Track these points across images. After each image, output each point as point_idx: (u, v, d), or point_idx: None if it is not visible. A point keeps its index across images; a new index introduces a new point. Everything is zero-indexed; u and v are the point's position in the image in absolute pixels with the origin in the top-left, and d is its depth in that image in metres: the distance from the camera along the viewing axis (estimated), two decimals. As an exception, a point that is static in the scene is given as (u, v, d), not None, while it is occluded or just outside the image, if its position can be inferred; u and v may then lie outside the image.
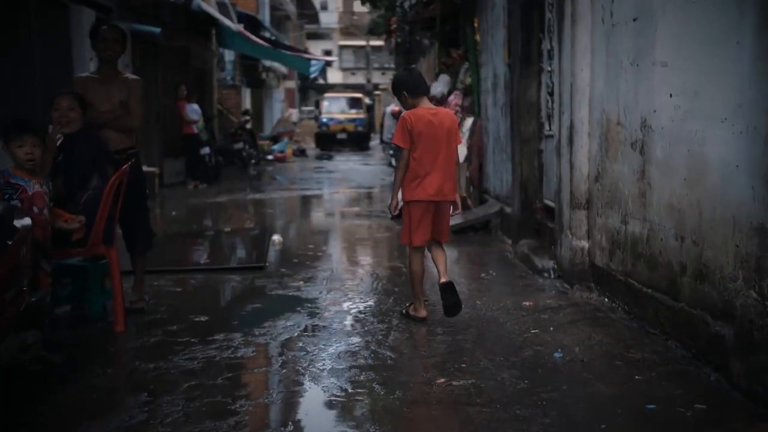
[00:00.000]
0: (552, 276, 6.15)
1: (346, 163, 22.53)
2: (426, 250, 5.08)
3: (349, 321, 5.06)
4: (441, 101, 10.95)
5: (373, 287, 6.05)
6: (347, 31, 58.85)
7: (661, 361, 4.02)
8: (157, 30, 12.83)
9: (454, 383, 3.81)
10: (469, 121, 10.22)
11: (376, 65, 55.53)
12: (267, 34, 24.31)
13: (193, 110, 14.82)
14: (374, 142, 31.77)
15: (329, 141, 28.71)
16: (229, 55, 24.37)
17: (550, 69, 7.03)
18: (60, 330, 4.72)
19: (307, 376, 3.96)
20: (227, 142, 20.44)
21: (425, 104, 4.90)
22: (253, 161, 20.78)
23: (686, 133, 4.10)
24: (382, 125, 27.29)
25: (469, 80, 10.37)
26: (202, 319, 5.08)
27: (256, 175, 18.13)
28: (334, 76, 54.23)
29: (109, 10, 11.47)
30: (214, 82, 21.62)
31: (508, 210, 8.29)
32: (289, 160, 23.51)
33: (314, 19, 52.03)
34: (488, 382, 3.82)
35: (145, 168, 13.15)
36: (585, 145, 5.66)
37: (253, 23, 23.27)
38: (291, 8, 38.70)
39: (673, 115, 4.23)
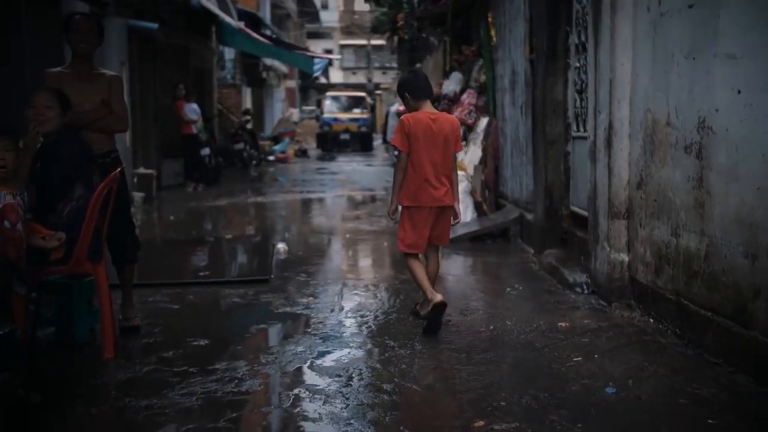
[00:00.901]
0: (585, 291, 5.61)
1: (349, 164, 21.97)
2: (427, 255, 4.99)
3: (366, 346, 4.51)
4: (453, 100, 10.42)
5: (391, 304, 5.50)
6: (348, 31, 58.33)
7: (734, 401, 3.47)
8: (155, 26, 12.29)
9: (496, 427, 3.26)
10: (483, 122, 9.67)
11: (377, 65, 55.02)
12: (268, 32, 23.75)
13: (192, 110, 14.26)
14: (376, 142, 31.21)
15: (331, 141, 27.83)
16: (229, 54, 23.82)
17: (578, 65, 6.49)
18: (42, 356, 4.18)
19: (323, 418, 3.41)
20: (227, 143, 19.91)
21: (427, 108, 4.83)
22: (254, 162, 20.25)
23: (759, 136, 3.55)
24: (385, 125, 26.75)
25: (483, 78, 9.83)
26: (202, 342, 4.53)
27: (257, 177, 17.58)
28: (335, 76, 53.72)
29: (104, 5, 10.93)
30: (214, 81, 21.08)
31: (528, 217, 7.75)
32: (291, 161, 22.95)
33: (315, 18, 51.46)
34: (535, 426, 3.27)
35: (142, 170, 12.80)
36: (625, 148, 5.12)
37: (253, 21, 22.71)
38: (292, 6, 38.14)
39: (743, 115, 3.69)
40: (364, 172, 18.75)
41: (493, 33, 9.65)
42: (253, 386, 3.82)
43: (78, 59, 4.71)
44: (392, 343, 4.51)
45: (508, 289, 5.94)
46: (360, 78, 54.77)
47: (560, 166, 6.87)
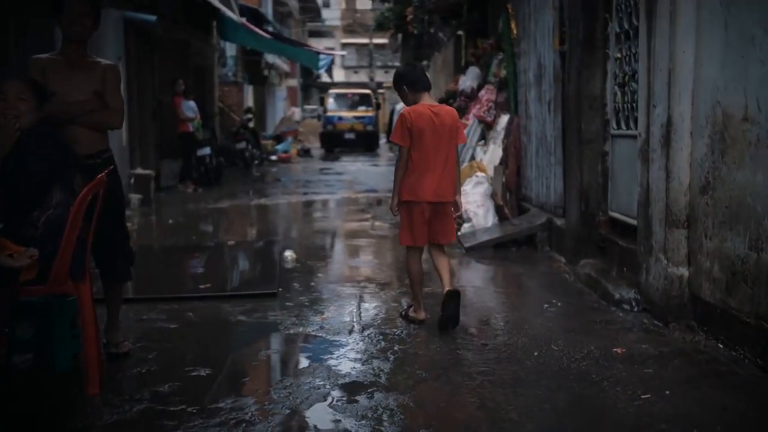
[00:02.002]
0: (635, 309, 4.97)
1: (353, 164, 21.28)
2: (432, 256, 4.86)
3: (394, 377, 3.87)
4: (471, 96, 9.79)
5: (416, 323, 4.86)
6: (350, 29, 57.77)
7: None
8: (153, 18, 11.64)
9: (567, 492, 2.63)
10: (504, 119, 9.04)
11: (379, 63, 54.40)
12: (270, 29, 23.11)
13: (189, 107, 13.57)
14: (381, 140, 30.52)
15: (336, 141, 26.31)
16: (230, 50, 23.20)
17: (619, 55, 5.86)
18: (18, 386, 3.57)
19: (352, 478, 2.78)
20: (229, 142, 19.28)
21: (426, 100, 4.71)
22: (256, 162, 19.61)
23: None
24: (390, 123, 26.04)
25: (503, 73, 9.19)
26: (203, 373, 3.90)
27: (259, 177, 16.94)
28: (337, 75, 53.13)
29: (99, -4, 10.29)
30: (215, 78, 20.46)
31: (558, 222, 7.11)
32: (294, 161, 22.30)
33: (316, 16, 50.83)
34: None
35: (139, 171, 12.16)
36: (686, 147, 4.49)
37: (255, 17, 22.07)
38: (293, 4, 37.56)
39: None
40: (370, 173, 18.10)
41: (513, 25, 9.02)
42: (264, 432, 3.19)
43: (70, 45, 4.08)
44: (424, 374, 3.88)
45: (546, 305, 5.30)
46: (362, 77, 54.18)
47: (597, 167, 6.23)
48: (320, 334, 4.63)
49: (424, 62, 22.11)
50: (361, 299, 5.54)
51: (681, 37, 4.41)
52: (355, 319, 4.97)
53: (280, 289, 5.78)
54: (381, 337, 4.55)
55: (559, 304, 5.31)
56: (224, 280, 6.26)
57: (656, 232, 4.71)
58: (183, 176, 13.56)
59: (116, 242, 4.15)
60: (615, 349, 4.20)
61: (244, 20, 18.63)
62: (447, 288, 4.59)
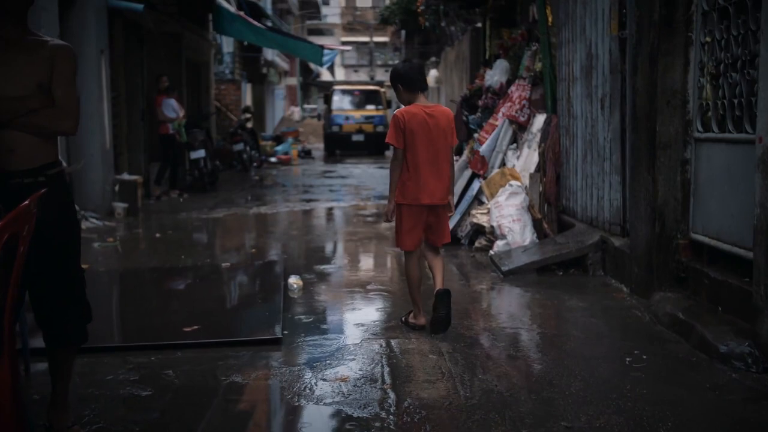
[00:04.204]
0: (752, 368, 3.80)
1: (357, 166, 20.00)
2: (427, 257, 4.79)
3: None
4: (499, 93, 8.62)
5: (467, 386, 3.68)
6: (350, 27, 56.71)
7: None
8: (140, 7, 10.45)
9: None
10: (540, 119, 7.86)
11: (379, 62, 53.34)
12: (269, 23, 21.91)
13: (170, 106, 12.18)
14: (384, 141, 29.15)
15: (342, 145, 23.02)
16: (227, 47, 22.03)
17: (708, 39, 4.69)
18: None
19: None
20: (226, 143, 18.10)
21: (421, 101, 4.64)
22: (254, 164, 18.45)
23: None
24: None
25: (538, 66, 8.01)
26: (179, 483, 2.73)
27: (258, 181, 15.75)
28: (337, 73, 52.05)
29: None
30: (211, 75, 19.29)
31: (615, 242, 5.94)
32: (294, 163, 21.07)
33: (316, 13, 49.71)
34: None
35: (125, 176, 10.98)
36: (838, 158, 3.32)
37: (254, 11, 20.87)
38: (293, 0, 36.40)
39: None
40: (376, 176, 16.87)
41: (548, 11, 7.85)
42: None
43: (5, 21, 2.93)
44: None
45: (628, 358, 4.11)
46: (362, 76, 53.13)
47: (675, 178, 5.06)
48: (342, 408, 3.45)
49: (432, 59, 20.97)
50: (389, 348, 4.36)
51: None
52: (386, 381, 3.80)
53: (286, 332, 4.61)
54: (423, 411, 3.38)
55: (644, 357, 4.13)
56: (215, 319, 5.05)
57: (788, 270, 3.54)
58: (157, 180, 12.25)
59: (64, 293, 2.98)
60: (754, 439, 3.03)
61: (241, 13, 17.46)
62: (438, 287, 4.55)
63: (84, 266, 6.90)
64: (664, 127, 5.04)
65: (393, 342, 4.48)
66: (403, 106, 4.68)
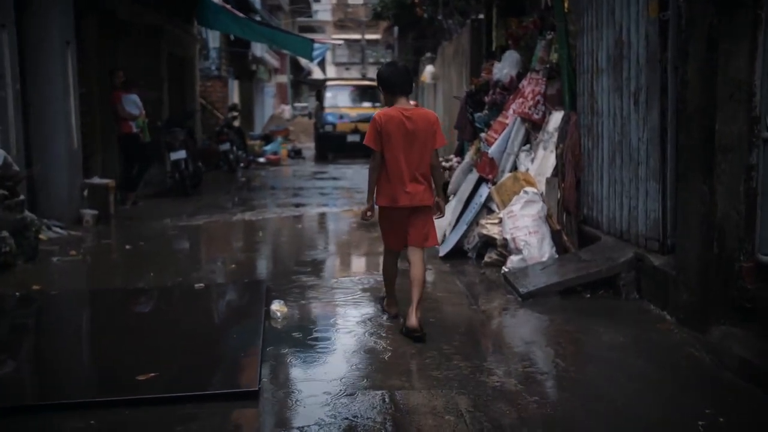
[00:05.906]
0: None
1: (350, 166, 18.96)
2: (410, 260, 4.66)
3: None
4: (509, 88, 7.72)
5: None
6: (341, 25, 55.86)
7: None
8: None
9: None
10: (557, 117, 6.97)
11: (371, 60, 52.47)
12: (258, 18, 20.94)
13: (131, 102, 10.98)
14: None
15: (336, 146, 20.55)
16: (213, 42, 21.07)
17: (784, 18, 3.81)
18: None
19: None
20: (211, 143, 17.15)
21: (401, 104, 4.63)
22: (241, 165, 17.51)
23: None
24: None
25: (554, 57, 7.12)
26: None
27: (245, 183, 14.82)
28: (328, 71, 51.17)
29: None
30: (196, 71, 18.33)
31: (655, 261, 5.06)
32: (284, 163, 20.12)
33: (307, 9, 48.75)
34: None
35: (96, 180, 10.00)
36: None
37: (242, 5, 19.89)
38: (284, -3, 35.47)
39: None
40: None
41: (565, -3, 6.96)
42: None
43: None
44: None
45: (701, 422, 3.22)
46: (353, 73, 52.24)
47: (738, 187, 4.17)
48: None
49: (428, 54, 20.03)
50: (392, 405, 3.46)
51: None
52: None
53: (265, 382, 3.71)
54: None
55: (720, 419, 3.24)
56: (179, 363, 4.11)
57: None
58: (135, 183, 11.19)
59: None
60: None
61: (227, 6, 16.51)
62: (409, 323, 4.37)
63: (35, 287, 6.06)
64: (725, 126, 4.15)
65: (397, 394, 3.58)
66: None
